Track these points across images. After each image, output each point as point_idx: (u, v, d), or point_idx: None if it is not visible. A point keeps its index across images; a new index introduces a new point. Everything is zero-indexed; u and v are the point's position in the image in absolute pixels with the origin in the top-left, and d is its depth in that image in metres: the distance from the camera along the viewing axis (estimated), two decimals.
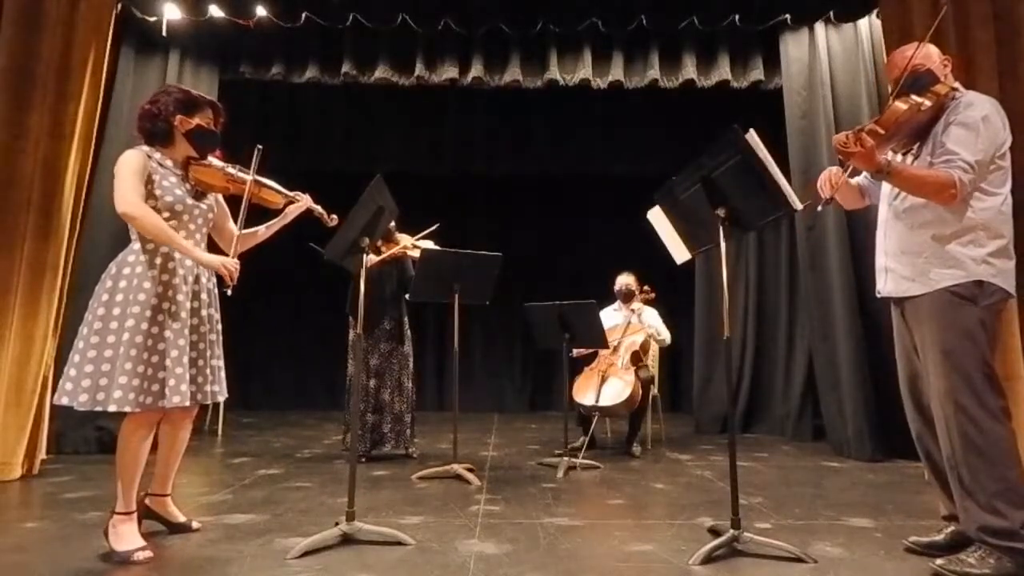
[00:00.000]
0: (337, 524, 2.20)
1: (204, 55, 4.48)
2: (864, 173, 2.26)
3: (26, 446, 3.29)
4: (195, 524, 2.33)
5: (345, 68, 4.46)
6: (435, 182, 6.48)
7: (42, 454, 3.44)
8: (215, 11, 4.18)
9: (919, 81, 2.05)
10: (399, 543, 2.16)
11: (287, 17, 4.24)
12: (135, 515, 2.09)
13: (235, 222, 2.24)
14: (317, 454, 4.10)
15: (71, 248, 3.55)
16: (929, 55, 2.10)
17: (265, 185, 2.30)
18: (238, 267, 2.15)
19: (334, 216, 2.42)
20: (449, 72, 4.48)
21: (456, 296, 3.45)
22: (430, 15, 4.29)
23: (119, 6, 3.95)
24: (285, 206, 2.36)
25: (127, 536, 2.03)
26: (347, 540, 2.17)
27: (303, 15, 4.23)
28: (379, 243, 3.70)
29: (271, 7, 4.19)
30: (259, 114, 5.54)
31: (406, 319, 3.97)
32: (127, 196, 2.04)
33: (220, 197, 2.34)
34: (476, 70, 4.48)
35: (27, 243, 3.36)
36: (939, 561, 1.91)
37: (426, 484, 3.17)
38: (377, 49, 4.48)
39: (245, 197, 2.21)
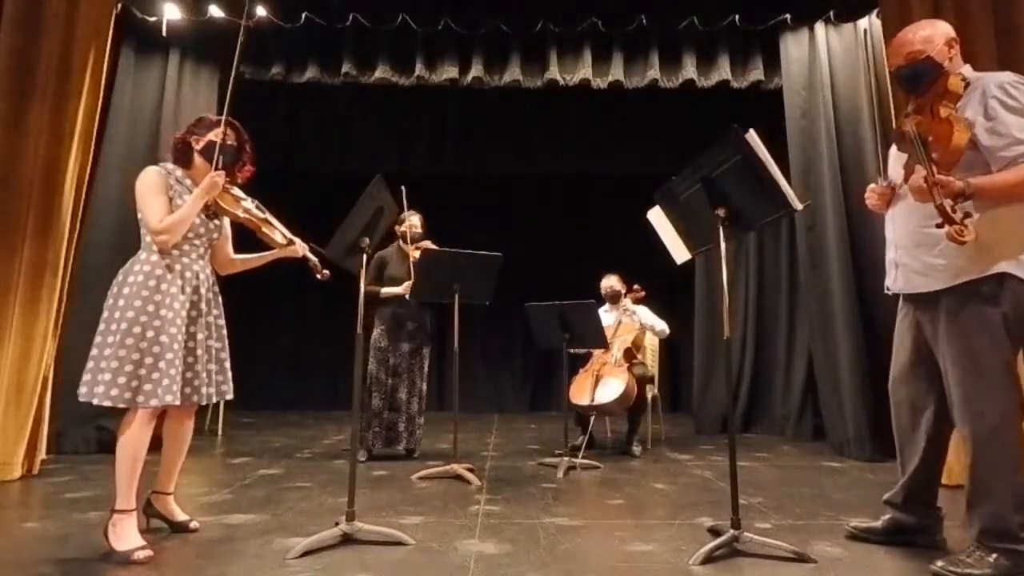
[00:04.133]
0: (337, 524, 2.20)
1: (204, 55, 4.47)
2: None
3: (26, 446, 3.29)
4: (193, 524, 2.33)
5: (345, 68, 4.45)
6: (435, 182, 6.49)
7: (42, 454, 3.44)
8: (215, 11, 4.18)
9: (918, 70, 1.97)
10: (399, 543, 2.16)
11: (287, 17, 4.25)
12: (135, 512, 2.10)
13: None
14: (317, 454, 4.10)
15: (71, 248, 3.55)
16: (930, 39, 1.97)
17: (274, 226, 2.42)
18: (221, 176, 2.25)
19: (326, 271, 2.49)
20: (449, 72, 4.48)
21: (456, 296, 3.45)
22: (430, 15, 4.30)
23: (119, 6, 3.95)
24: (285, 247, 2.46)
25: (127, 535, 2.04)
26: (347, 540, 2.17)
27: (303, 15, 4.23)
28: (410, 247, 3.80)
29: (271, 7, 4.20)
30: (259, 114, 5.54)
31: (428, 322, 4.03)
32: (150, 222, 2.18)
33: (228, 222, 2.46)
34: (476, 70, 4.48)
35: (27, 243, 3.36)
36: (939, 562, 1.90)
37: (426, 484, 3.17)
38: (377, 49, 4.48)
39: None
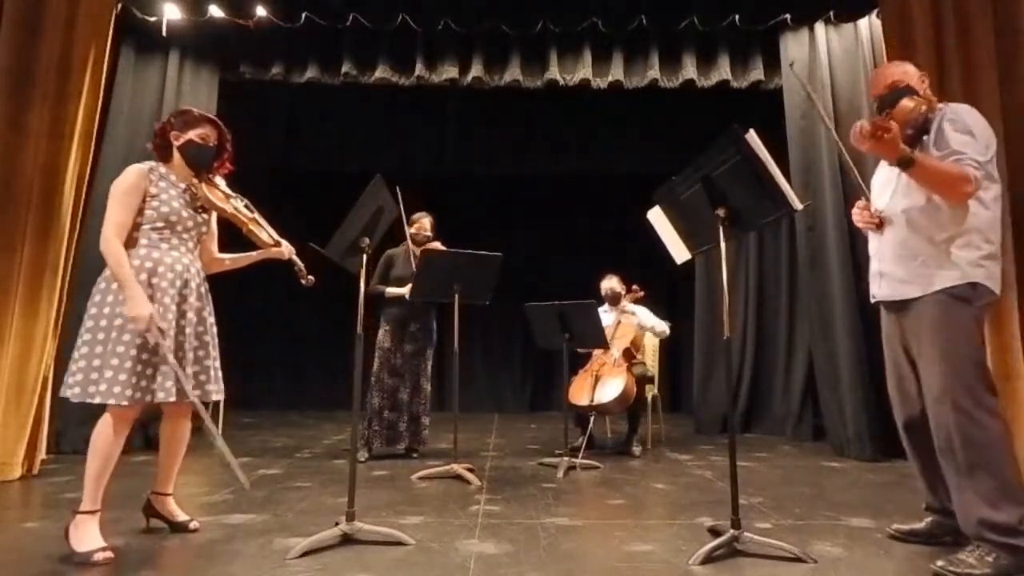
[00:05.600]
0: (337, 524, 2.20)
1: (204, 55, 4.47)
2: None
3: (26, 446, 3.29)
4: (193, 524, 2.33)
5: (345, 68, 4.46)
6: (435, 182, 6.49)
7: (42, 454, 3.44)
8: (215, 11, 4.18)
9: (901, 94, 2.14)
10: (399, 543, 2.16)
11: (287, 17, 4.24)
12: (99, 514, 2.08)
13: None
14: (317, 454, 4.10)
15: (71, 248, 3.55)
16: (908, 71, 2.22)
17: (261, 226, 2.41)
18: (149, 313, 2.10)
19: (311, 277, 2.47)
20: (449, 72, 4.48)
21: (456, 296, 3.45)
22: (430, 15, 4.30)
23: (119, 6, 3.96)
24: (271, 248, 2.45)
25: (88, 536, 2.02)
26: (347, 540, 2.17)
27: (303, 15, 4.23)
28: (417, 248, 3.81)
29: (271, 7, 4.19)
30: (259, 114, 5.54)
31: (434, 323, 4.04)
32: (106, 227, 2.14)
33: (215, 219, 2.44)
34: (476, 70, 4.48)
35: (27, 243, 3.36)
36: (940, 562, 1.92)
37: (426, 484, 3.17)
38: (377, 49, 4.48)
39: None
